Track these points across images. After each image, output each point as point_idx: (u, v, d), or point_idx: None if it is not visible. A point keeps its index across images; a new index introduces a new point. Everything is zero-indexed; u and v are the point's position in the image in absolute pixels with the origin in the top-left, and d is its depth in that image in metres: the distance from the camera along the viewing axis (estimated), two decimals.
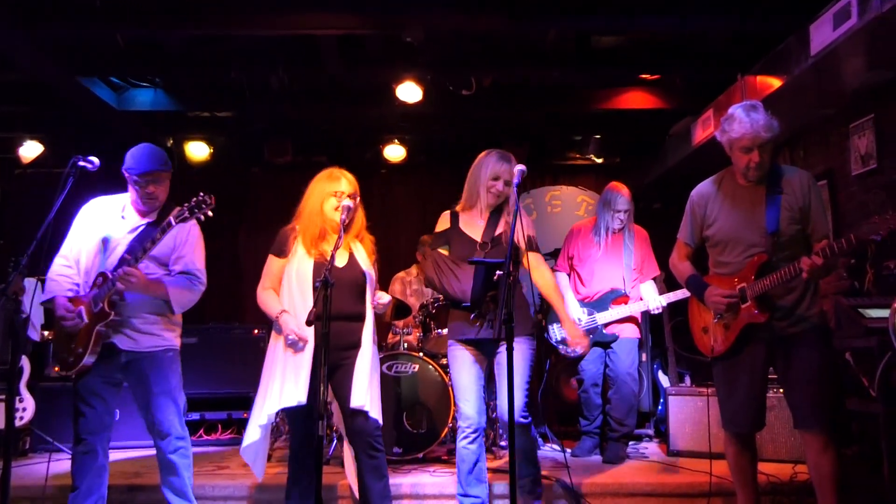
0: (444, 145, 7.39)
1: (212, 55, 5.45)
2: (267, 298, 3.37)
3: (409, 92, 5.69)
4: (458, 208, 3.67)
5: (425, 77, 5.65)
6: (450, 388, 4.64)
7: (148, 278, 3.27)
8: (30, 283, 3.01)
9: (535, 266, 3.55)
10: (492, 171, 3.51)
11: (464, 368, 3.49)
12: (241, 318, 6.59)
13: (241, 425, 5.77)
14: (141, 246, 3.22)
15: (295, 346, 3.22)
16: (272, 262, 3.42)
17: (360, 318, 3.36)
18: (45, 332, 5.37)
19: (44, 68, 5.10)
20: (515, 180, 3.25)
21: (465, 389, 3.47)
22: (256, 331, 5.89)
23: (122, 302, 3.28)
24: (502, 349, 3.40)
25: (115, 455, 3.64)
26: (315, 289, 2.90)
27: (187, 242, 3.43)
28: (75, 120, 6.41)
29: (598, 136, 7.09)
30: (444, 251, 3.57)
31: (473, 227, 3.58)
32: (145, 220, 3.42)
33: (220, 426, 5.72)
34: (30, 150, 6.71)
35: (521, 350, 3.42)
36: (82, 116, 6.21)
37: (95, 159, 3.16)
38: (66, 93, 5.57)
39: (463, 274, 3.44)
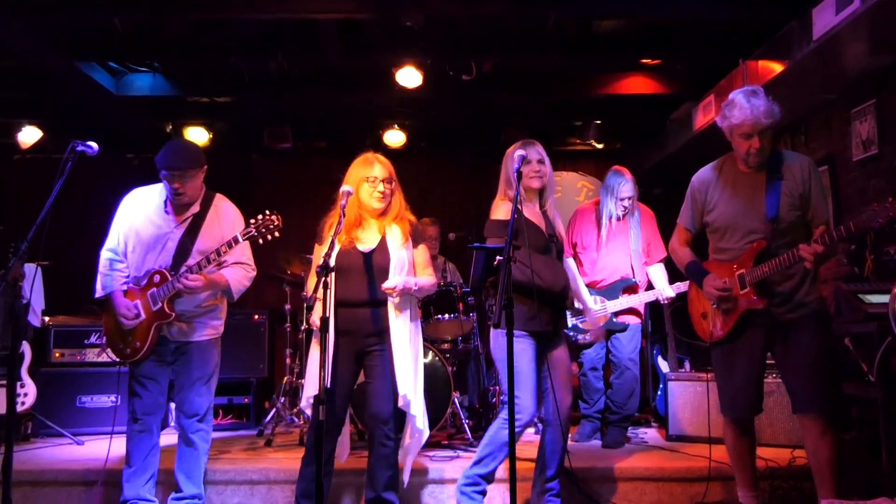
0: (445, 131, 7.35)
1: (211, 40, 5.41)
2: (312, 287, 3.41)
3: (408, 77, 5.65)
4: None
5: (425, 62, 5.61)
6: (450, 375, 4.64)
7: (209, 275, 3.42)
8: (30, 268, 3.02)
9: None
10: (522, 157, 3.41)
11: (531, 360, 3.40)
12: (242, 304, 6.59)
13: (242, 410, 5.78)
14: (194, 244, 3.41)
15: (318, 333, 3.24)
16: (315, 250, 3.50)
17: (386, 303, 3.36)
18: (46, 318, 5.38)
19: (42, 54, 5.06)
20: (515, 165, 3.24)
21: (528, 382, 3.37)
22: (257, 316, 5.90)
23: (178, 298, 3.43)
24: (554, 344, 3.50)
25: (116, 441, 3.66)
26: (317, 274, 2.92)
27: None
28: (74, 105, 6.39)
29: (598, 122, 7.05)
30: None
31: (536, 218, 3.53)
32: (191, 212, 3.51)
33: (220, 411, 5.73)
34: (28, 135, 6.70)
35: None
36: (81, 102, 6.18)
37: (94, 144, 3.17)
38: (64, 78, 5.54)
39: (543, 264, 3.40)
